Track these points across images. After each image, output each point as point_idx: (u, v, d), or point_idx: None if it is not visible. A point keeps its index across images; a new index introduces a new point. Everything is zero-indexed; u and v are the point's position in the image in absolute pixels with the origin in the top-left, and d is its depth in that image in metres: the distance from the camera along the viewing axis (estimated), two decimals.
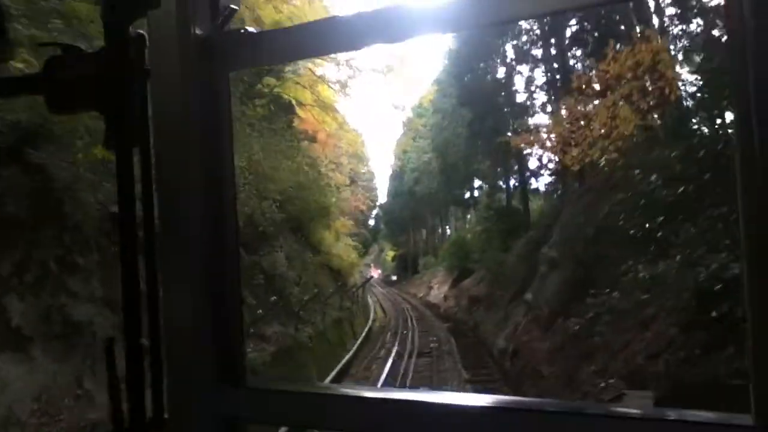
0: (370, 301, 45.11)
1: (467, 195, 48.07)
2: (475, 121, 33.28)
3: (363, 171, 72.21)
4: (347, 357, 19.12)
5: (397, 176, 71.57)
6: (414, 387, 14.96)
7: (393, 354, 19.90)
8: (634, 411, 0.75)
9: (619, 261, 12.60)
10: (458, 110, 36.53)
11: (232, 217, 1.01)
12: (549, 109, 33.37)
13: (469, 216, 57.40)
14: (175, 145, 0.96)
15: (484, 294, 29.77)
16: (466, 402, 0.84)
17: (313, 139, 36.38)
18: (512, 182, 41.39)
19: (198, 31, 0.96)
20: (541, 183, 37.32)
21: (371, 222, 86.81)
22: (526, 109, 35.17)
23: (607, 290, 12.68)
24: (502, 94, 33.59)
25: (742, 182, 0.70)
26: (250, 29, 0.99)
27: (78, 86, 0.93)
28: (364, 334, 24.66)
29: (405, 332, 26.72)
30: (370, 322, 29.80)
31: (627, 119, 17.02)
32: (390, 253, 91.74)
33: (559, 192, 31.79)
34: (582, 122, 20.46)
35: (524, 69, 33.69)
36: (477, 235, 44.15)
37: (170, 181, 0.96)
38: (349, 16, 0.92)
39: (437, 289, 47.17)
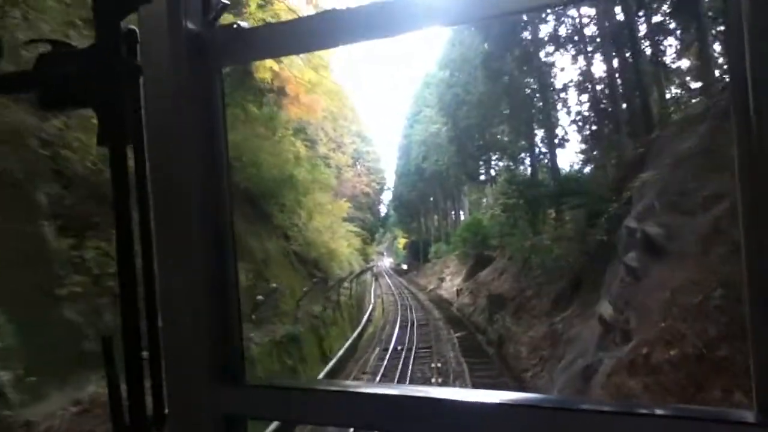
0: (371, 295, 36.87)
1: (482, 169, 39.10)
2: (491, 58, 24.41)
3: (367, 150, 63.80)
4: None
5: (403, 154, 62.60)
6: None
7: None
8: (637, 407, 0.74)
9: None
10: (471, 53, 27.63)
11: (227, 213, 0.99)
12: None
13: (484, 200, 48.59)
14: (169, 141, 0.93)
15: (509, 291, 21.24)
16: (463, 398, 0.81)
17: (281, 94, 27.71)
18: (538, 150, 32.71)
19: (190, 27, 0.93)
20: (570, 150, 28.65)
21: (382, 208, 78.66)
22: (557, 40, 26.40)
23: None
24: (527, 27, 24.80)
25: (741, 180, 0.70)
26: (243, 24, 0.96)
27: (70, 83, 0.88)
28: (337, 357, 16.25)
29: (399, 348, 18.45)
30: (355, 333, 21.34)
31: None
32: (401, 241, 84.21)
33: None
34: None
35: None
36: (495, 217, 35.59)
37: (165, 176, 0.93)
38: (343, 11, 0.89)
39: (449, 280, 38.76)
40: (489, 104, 29.14)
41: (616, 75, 23.91)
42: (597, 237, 13.18)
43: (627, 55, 22.87)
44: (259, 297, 12.86)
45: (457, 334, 20.85)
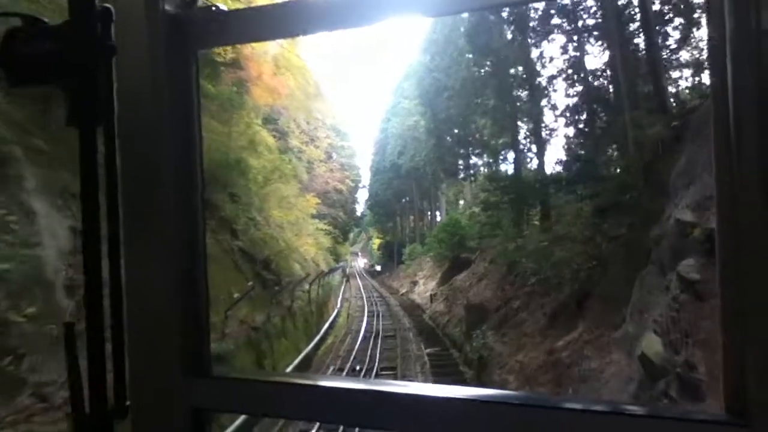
0: (338, 299, 33.25)
1: (461, 165, 35.76)
2: (477, 31, 21.17)
3: (342, 145, 60.16)
4: None
5: (379, 150, 58.93)
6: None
7: None
8: (608, 405, 0.73)
9: None
10: (454, 33, 24.32)
11: (198, 201, 0.94)
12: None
13: (461, 201, 45.28)
14: (141, 124, 0.89)
15: (491, 300, 17.88)
16: (430, 393, 0.80)
17: (237, 68, 23.99)
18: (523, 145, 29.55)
19: (167, 7, 0.89)
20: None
21: (359, 207, 75.10)
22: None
23: None
24: None
25: (718, 188, 0.69)
26: (221, 6, 0.92)
27: (40, 60, 0.86)
28: None
29: (357, 369, 14.90)
30: (310, 346, 17.72)
31: None
32: (376, 241, 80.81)
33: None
34: None
35: None
36: (474, 216, 32.38)
37: (135, 160, 0.89)
38: None
39: (423, 284, 35.38)
40: (472, 90, 25.84)
41: (616, 60, 20.84)
42: (612, 234, 9.82)
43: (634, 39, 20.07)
44: None
45: (429, 350, 17.39)
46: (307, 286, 23.18)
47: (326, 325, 22.65)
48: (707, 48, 0.75)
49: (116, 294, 0.86)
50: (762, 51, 0.64)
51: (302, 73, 39.43)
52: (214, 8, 0.91)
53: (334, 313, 27.54)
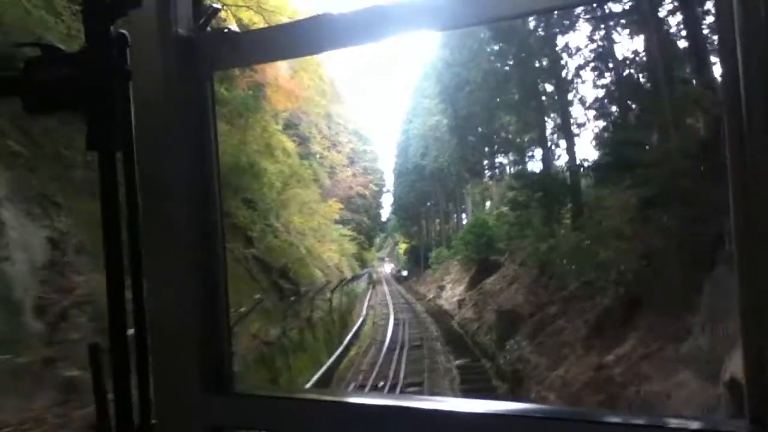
0: (363, 307, 32.09)
1: (486, 163, 34.23)
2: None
3: (364, 149, 59.25)
4: None
5: (401, 152, 57.63)
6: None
7: None
8: (630, 418, 0.72)
9: None
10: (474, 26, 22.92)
11: (217, 221, 0.96)
12: None
13: (488, 203, 43.61)
14: (159, 146, 0.91)
15: (524, 306, 16.44)
16: (456, 408, 0.79)
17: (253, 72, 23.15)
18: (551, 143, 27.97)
19: (180, 31, 0.92)
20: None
21: (384, 212, 73.93)
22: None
23: None
24: None
25: (733, 185, 0.68)
26: (233, 29, 0.93)
27: (58, 87, 0.87)
28: None
29: (381, 385, 13.65)
30: (331, 360, 16.56)
31: None
32: (402, 246, 79.49)
33: None
34: None
35: None
36: (502, 217, 30.83)
37: (155, 182, 0.91)
38: (335, 15, 0.88)
39: (450, 289, 33.87)
40: (495, 84, 24.40)
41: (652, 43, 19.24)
42: (666, 228, 8.38)
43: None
44: None
45: (458, 362, 16.04)
46: (329, 295, 22.11)
47: (350, 336, 21.47)
48: (717, 41, 0.71)
49: (139, 313, 0.86)
50: None
51: (319, 74, 38.61)
52: (226, 30, 0.92)
53: (359, 322, 26.36)
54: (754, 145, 0.64)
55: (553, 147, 28.19)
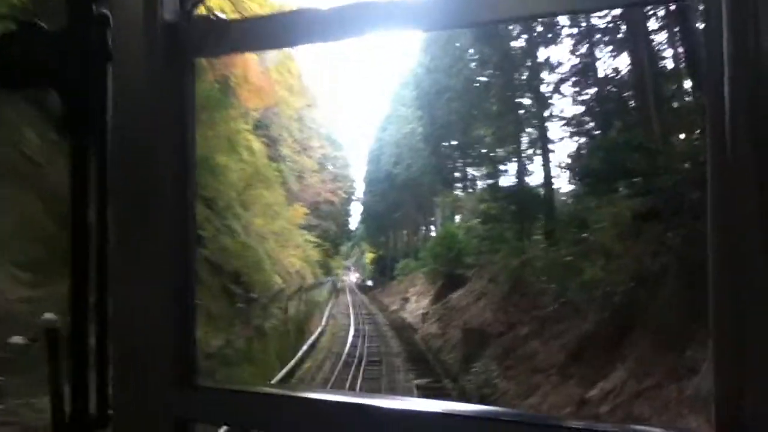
0: (323, 316, 30.49)
1: (459, 174, 33.24)
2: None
3: (335, 155, 57.79)
4: None
5: (373, 159, 56.30)
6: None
7: None
8: (599, 426, 0.71)
9: None
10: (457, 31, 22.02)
11: (191, 209, 0.94)
12: None
13: (457, 217, 42.62)
14: (135, 132, 0.88)
15: (493, 324, 15.26)
16: (419, 407, 0.78)
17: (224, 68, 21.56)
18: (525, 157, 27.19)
19: (165, 15, 0.88)
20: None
21: (353, 221, 72.57)
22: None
23: None
24: None
25: (712, 196, 0.67)
26: (220, 16, 0.91)
27: (35, 64, 0.86)
28: None
29: None
30: (282, 372, 15.00)
31: None
32: (369, 256, 78.19)
33: None
34: None
35: None
36: (472, 230, 29.81)
37: (127, 169, 0.88)
38: (323, 9, 0.85)
39: (415, 301, 32.65)
40: (475, 92, 23.43)
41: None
42: (663, 245, 7.27)
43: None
44: None
45: (419, 381, 14.67)
46: (285, 302, 20.53)
47: (305, 347, 19.88)
48: (704, 66, 0.72)
49: (102, 302, 0.84)
50: (760, 71, 0.62)
51: (293, 73, 37.11)
52: (212, 17, 0.90)
53: (317, 332, 24.75)
54: (738, 165, 0.63)
55: (526, 162, 27.55)
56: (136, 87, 0.86)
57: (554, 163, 25.32)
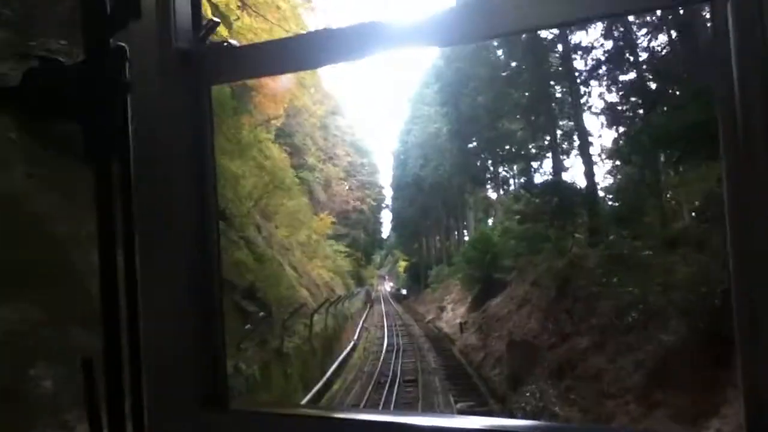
0: (357, 329, 28.73)
1: (490, 173, 31.05)
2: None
3: (362, 162, 56.39)
4: None
5: (400, 164, 54.46)
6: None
7: None
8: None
9: None
10: None
11: (214, 234, 0.94)
12: None
13: (490, 220, 40.29)
14: (156, 159, 0.89)
15: (541, 334, 13.18)
16: (457, 425, 0.77)
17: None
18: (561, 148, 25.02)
19: (179, 44, 0.91)
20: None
21: (384, 229, 70.80)
22: None
23: None
24: None
25: (729, 199, 0.68)
26: (233, 42, 0.94)
27: (56, 98, 0.87)
28: None
29: None
30: (308, 397, 13.24)
31: None
32: (402, 264, 76.30)
33: None
34: None
35: None
36: (507, 231, 27.64)
37: (151, 195, 0.89)
38: (333, 30, 0.88)
39: (451, 310, 30.57)
40: (502, 81, 21.39)
41: None
42: None
43: None
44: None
45: (460, 405, 12.67)
46: (316, 317, 18.85)
47: (334, 366, 18.09)
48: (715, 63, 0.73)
49: (134, 329, 0.83)
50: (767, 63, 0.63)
51: (313, 81, 35.71)
52: (225, 44, 0.92)
53: (349, 347, 22.95)
54: (754, 166, 0.64)
55: (562, 157, 25.36)
56: (155, 114, 0.87)
57: (594, 154, 23.24)
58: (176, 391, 0.87)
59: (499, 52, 22.11)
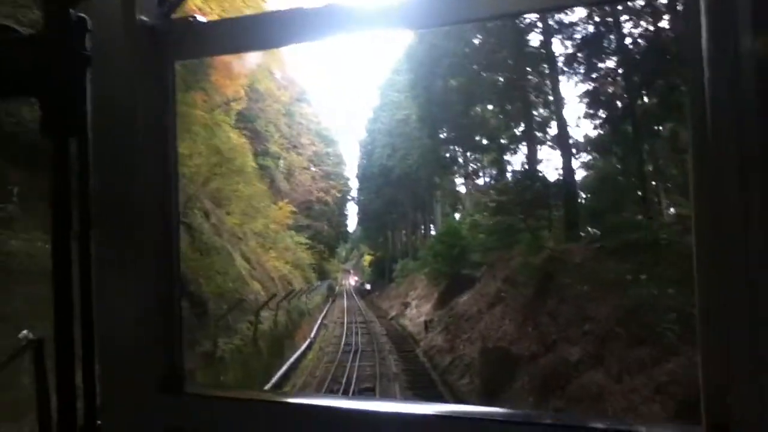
0: (314, 326, 26.49)
1: (459, 163, 29.21)
2: None
3: (327, 152, 53.89)
4: None
5: (366, 154, 52.14)
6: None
7: None
8: (586, 422, 0.71)
9: None
10: None
11: (175, 213, 0.90)
12: None
13: (457, 215, 38.56)
14: (116, 135, 0.85)
15: (518, 341, 11.24)
16: (413, 410, 0.77)
17: None
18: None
19: (144, 18, 0.86)
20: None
21: (351, 222, 68.57)
22: None
23: None
24: None
25: (696, 205, 0.68)
26: (199, 18, 0.89)
27: (13, 70, 0.83)
28: None
29: None
30: None
31: None
32: (367, 258, 74.32)
33: None
34: None
35: None
36: (475, 226, 25.91)
37: (109, 171, 0.85)
38: (302, 9, 0.84)
39: (415, 306, 28.64)
40: (477, 59, 19.46)
41: None
42: None
43: None
44: None
45: None
46: (266, 313, 16.53)
47: (283, 369, 15.83)
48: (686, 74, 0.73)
49: (87, 310, 0.80)
50: (740, 73, 0.63)
51: (276, 60, 33.07)
52: (191, 19, 0.87)
53: (304, 346, 20.70)
54: (721, 171, 0.63)
55: (538, 146, 23.70)
56: (116, 89, 0.83)
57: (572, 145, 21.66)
58: (133, 374, 0.83)
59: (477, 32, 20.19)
